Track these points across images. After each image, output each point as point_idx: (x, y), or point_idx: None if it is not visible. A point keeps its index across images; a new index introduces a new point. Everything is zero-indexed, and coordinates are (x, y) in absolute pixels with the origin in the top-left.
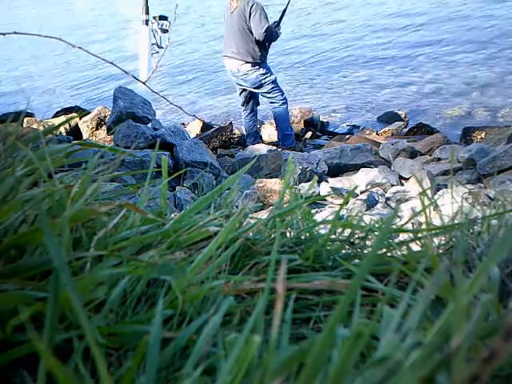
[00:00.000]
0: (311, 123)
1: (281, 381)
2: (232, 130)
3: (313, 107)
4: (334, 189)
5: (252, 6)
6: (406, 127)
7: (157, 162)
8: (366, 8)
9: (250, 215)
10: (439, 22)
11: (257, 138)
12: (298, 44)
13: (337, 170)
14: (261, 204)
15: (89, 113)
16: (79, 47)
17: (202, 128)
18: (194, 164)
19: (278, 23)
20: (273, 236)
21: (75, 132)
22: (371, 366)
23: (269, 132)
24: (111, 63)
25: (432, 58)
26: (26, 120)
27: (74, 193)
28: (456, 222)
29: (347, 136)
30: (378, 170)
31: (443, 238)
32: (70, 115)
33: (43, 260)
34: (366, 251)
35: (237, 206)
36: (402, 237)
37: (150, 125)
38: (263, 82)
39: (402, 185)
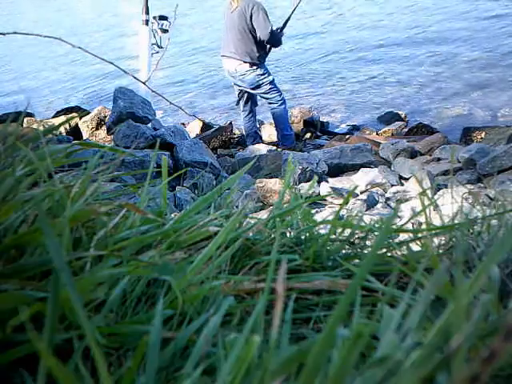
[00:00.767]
0: (311, 123)
1: (281, 381)
2: (232, 130)
3: (313, 107)
4: (334, 189)
5: (253, 7)
6: (406, 127)
7: (157, 162)
8: (366, 7)
9: (250, 215)
10: (439, 22)
11: (256, 138)
12: (297, 44)
13: (337, 170)
14: (261, 204)
15: (89, 113)
16: (79, 47)
17: (202, 128)
18: (194, 164)
19: (281, 29)
20: (273, 236)
21: (75, 132)
22: (371, 366)
23: (269, 132)
24: (111, 63)
25: (432, 58)
26: (26, 120)
27: (74, 193)
28: (456, 221)
29: (347, 136)
30: (378, 170)
31: (443, 238)
32: (69, 115)
33: (43, 260)
34: (366, 251)
35: (237, 206)
36: (402, 237)
37: (149, 125)
38: (261, 82)
39: (402, 185)
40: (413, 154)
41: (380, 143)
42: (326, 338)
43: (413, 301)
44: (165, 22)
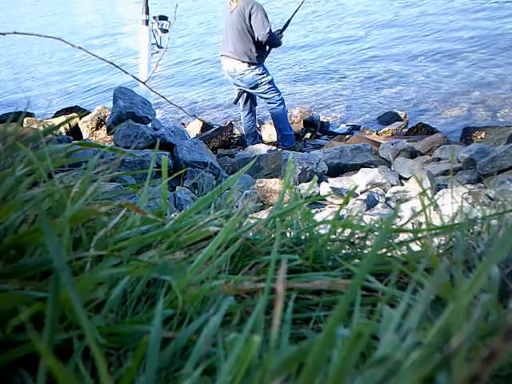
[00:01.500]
0: (311, 123)
1: (281, 381)
2: (232, 130)
3: (313, 107)
4: (334, 189)
5: (252, 7)
6: (406, 127)
7: (157, 162)
8: (366, 7)
9: (250, 215)
10: (440, 21)
11: (256, 138)
12: (297, 44)
13: (337, 170)
14: (261, 204)
15: (89, 113)
16: (79, 47)
17: (202, 128)
18: (194, 164)
19: (281, 31)
20: (273, 236)
21: (75, 132)
22: (371, 366)
23: (269, 132)
24: (111, 63)
25: (432, 58)
26: (26, 120)
27: (74, 193)
28: (456, 221)
29: (347, 136)
30: (378, 170)
31: (443, 238)
32: (70, 115)
33: (43, 260)
34: (366, 251)
35: (237, 206)
36: (402, 237)
37: (149, 125)
38: (259, 82)
39: (402, 185)
40: (413, 154)
41: (380, 143)
42: (325, 338)
43: (413, 301)
44: (165, 22)
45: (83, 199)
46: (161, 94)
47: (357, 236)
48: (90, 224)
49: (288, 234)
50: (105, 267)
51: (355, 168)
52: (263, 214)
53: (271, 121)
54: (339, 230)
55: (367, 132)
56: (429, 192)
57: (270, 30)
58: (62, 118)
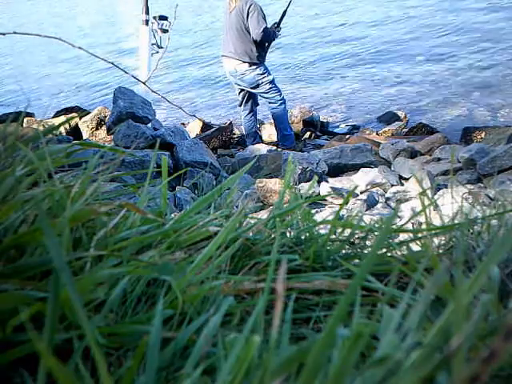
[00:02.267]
0: (311, 123)
1: (281, 381)
2: (232, 130)
3: (313, 107)
4: (334, 189)
5: (250, 6)
6: (406, 127)
7: (157, 162)
8: (366, 6)
9: (250, 215)
10: (440, 21)
11: (256, 138)
12: (297, 43)
13: (337, 170)
14: (261, 204)
15: (89, 113)
16: (79, 47)
17: (202, 128)
18: (194, 164)
19: (278, 24)
20: (273, 236)
21: (75, 132)
22: (371, 366)
23: (269, 132)
24: (111, 63)
25: (432, 58)
26: (26, 120)
27: (73, 193)
28: (456, 221)
29: (347, 136)
30: (378, 170)
31: (443, 238)
32: (70, 115)
33: (43, 260)
34: (366, 251)
35: (237, 206)
36: (402, 237)
37: (149, 125)
38: (260, 82)
39: (402, 185)
40: (413, 154)
41: (380, 143)
42: (326, 338)
43: (413, 301)
44: (165, 22)
45: (83, 199)
46: (161, 94)
47: (357, 236)
48: (89, 224)
49: (288, 234)
50: (105, 267)
51: (355, 168)
52: (263, 214)
53: (271, 121)
54: (339, 230)
55: (367, 132)
56: (429, 192)
57: (265, 27)
58: (62, 118)
